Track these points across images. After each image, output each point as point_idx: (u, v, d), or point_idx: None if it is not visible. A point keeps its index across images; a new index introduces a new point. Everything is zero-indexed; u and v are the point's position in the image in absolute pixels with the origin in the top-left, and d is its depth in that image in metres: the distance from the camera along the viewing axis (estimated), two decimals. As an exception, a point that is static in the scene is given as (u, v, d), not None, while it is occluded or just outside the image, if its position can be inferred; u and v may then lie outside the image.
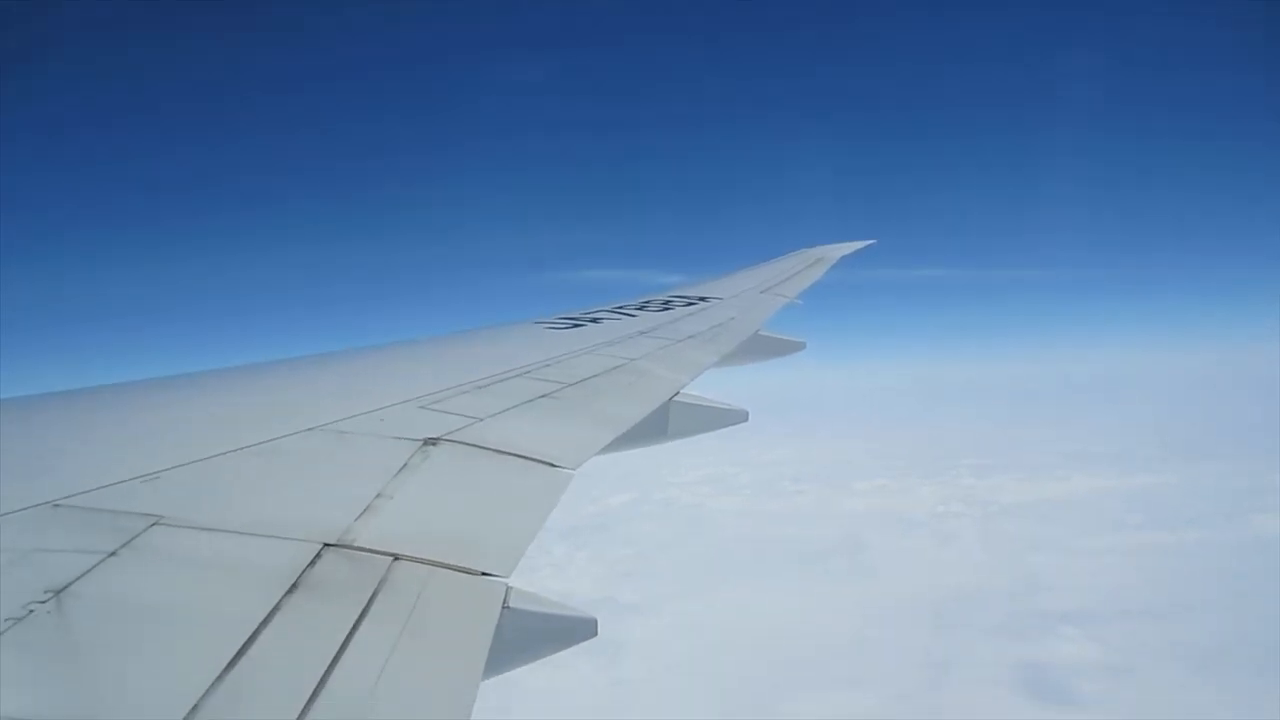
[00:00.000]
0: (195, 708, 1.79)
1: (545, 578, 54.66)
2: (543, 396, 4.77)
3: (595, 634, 2.91)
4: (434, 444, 3.68)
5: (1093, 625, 42.67)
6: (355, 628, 2.23)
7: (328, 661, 2.06)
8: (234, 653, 2.01)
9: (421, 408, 4.24)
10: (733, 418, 5.86)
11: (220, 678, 1.91)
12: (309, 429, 3.73)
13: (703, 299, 9.01)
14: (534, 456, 3.77)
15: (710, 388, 5.92)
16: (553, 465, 3.74)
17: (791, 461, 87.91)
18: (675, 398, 5.40)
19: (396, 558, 2.63)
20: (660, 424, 5.24)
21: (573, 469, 3.76)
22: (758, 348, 7.69)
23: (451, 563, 2.69)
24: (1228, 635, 39.69)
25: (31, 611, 2.05)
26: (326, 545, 2.62)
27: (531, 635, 2.71)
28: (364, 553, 2.63)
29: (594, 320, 7.48)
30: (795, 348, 8.13)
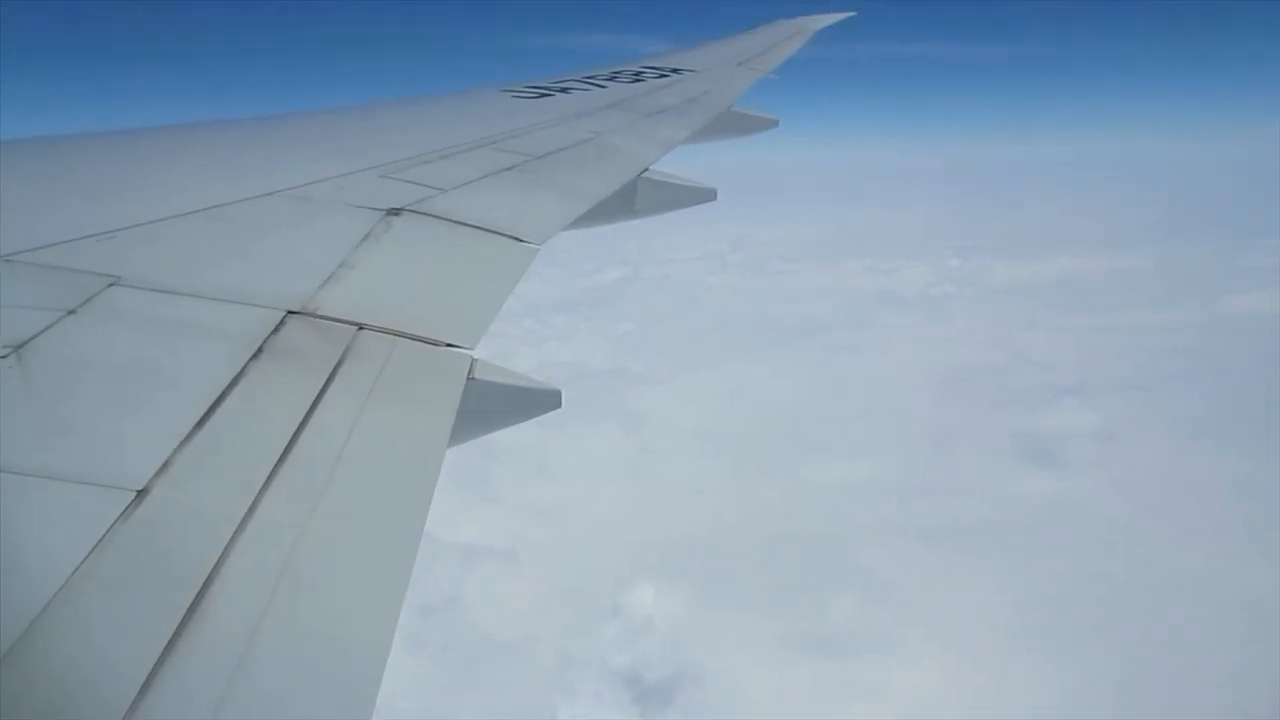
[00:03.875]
0: (165, 465, 1.83)
1: (552, 350, 56.11)
2: (509, 169, 4.66)
3: (559, 405, 2.98)
4: (397, 214, 3.61)
5: (1085, 397, 45.24)
6: (321, 394, 2.26)
7: (295, 426, 2.10)
8: (201, 414, 2.04)
9: (383, 176, 4.12)
10: (701, 195, 5.79)
11: (188, 438, 1.94)
12: (268, 193, 3.63)
13: (676, 71, 8.65)
14: (499, 230, 3.72)
15: (681, 165, 5.80)
16: (518, 239, 3.70)
17: (779, 241, 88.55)
18: (644, 174, 5.29)
19: (361, 327, 2.64)
20: (628, 200, 5.17)
21: (538, 244, 3.73)
22: (731, 124, 7.49)
23: (417, 334, 2.70)
24: (1208, 407, 42.29)
25: None
26: (290, 313, 2.61)
27: (497, 405, 2.78)
28: (329, 321, 2.63)
29: (563, 90, 7.18)
30: (768, 125, 7.93)
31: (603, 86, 7.52)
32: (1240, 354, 49.57)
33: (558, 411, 2.87)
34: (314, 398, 2.23)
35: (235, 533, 1.71)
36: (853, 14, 12.93)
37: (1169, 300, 61.54)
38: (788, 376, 51.09)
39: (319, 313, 2.66)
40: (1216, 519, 32.31)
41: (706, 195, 5.83)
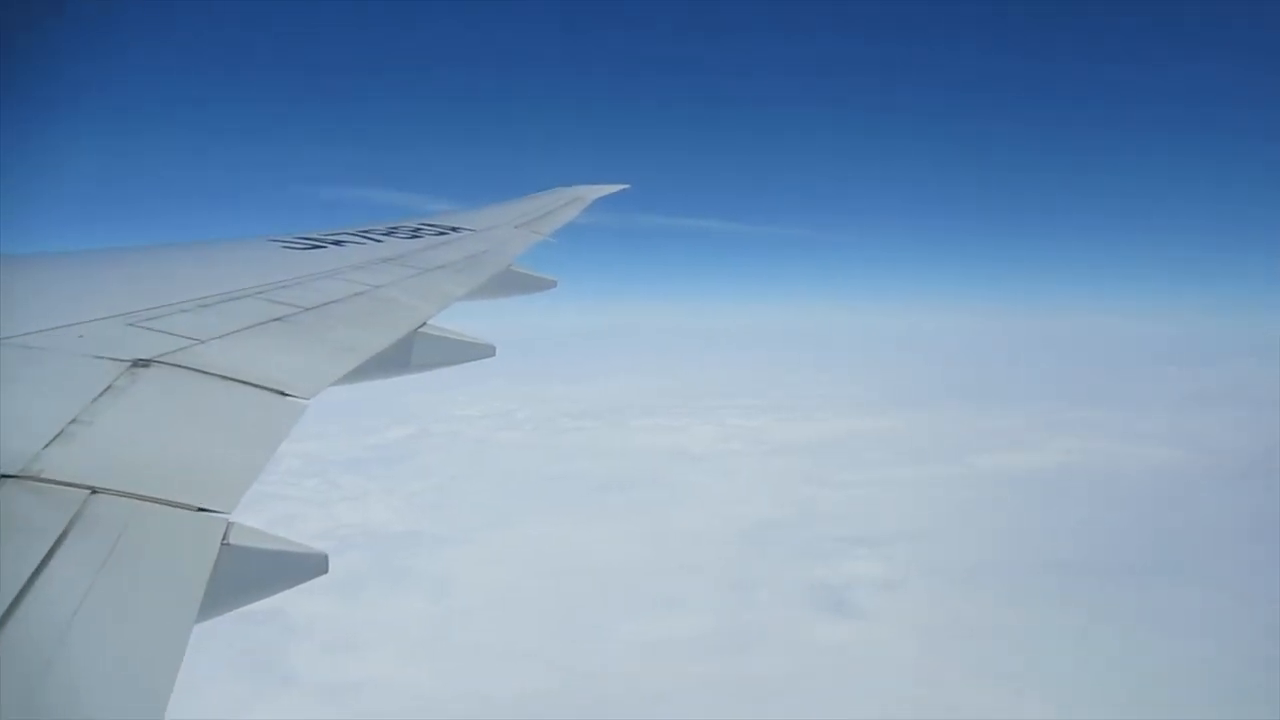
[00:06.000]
0: None
1: (342, 512, 53.10)
2: (275, 320, 4.43)
3: (326, 570, 2.75)
4: (145, 366, 3.30)
5: (872, 547, 48.18)
6: (40, 570, 1.95)
7: (4, 607, 1.79)
8: None
9: (131, 325, 3.79)
10: (479, 352, 5.76)
11: None
12: None
13: (454, 229, 8.74)
14: (262, 384, 3.48)
15: (459, 321, 5.77)
16: (283, 394, 3.47)
17: (566, 399, 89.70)
18: (420, 329, 5.21)
19: (94, 491, 2.33)
20: (404, 355, 5.04)
21: (307, 399, 3.52)
22: (509, 283, 7.58)
23: (163, 497, 2.42)
24: (976, 554, 46.38)
25: None
26: (4, 476, 2.27)
27: (257, 572, 2.51)
28: (53, 485, 2.31)
29: (336, 242, 7.04)
30: (547, 285, 8.10)
31: (379, 241, 7.45)
32: (996, 505, 55.60)
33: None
34: (30, 574, 1.92)
35: None
36: (626, 187, 13.89)
37: (925, 458, 68.13)
38: (588, 535, 51.08)
39: (42, 475, 2.34)
40: (1008, 662, 35.25)
41: (485, 351, 5.81)
